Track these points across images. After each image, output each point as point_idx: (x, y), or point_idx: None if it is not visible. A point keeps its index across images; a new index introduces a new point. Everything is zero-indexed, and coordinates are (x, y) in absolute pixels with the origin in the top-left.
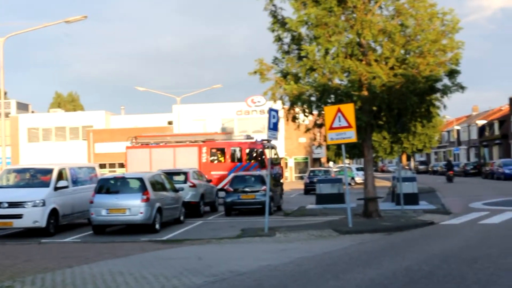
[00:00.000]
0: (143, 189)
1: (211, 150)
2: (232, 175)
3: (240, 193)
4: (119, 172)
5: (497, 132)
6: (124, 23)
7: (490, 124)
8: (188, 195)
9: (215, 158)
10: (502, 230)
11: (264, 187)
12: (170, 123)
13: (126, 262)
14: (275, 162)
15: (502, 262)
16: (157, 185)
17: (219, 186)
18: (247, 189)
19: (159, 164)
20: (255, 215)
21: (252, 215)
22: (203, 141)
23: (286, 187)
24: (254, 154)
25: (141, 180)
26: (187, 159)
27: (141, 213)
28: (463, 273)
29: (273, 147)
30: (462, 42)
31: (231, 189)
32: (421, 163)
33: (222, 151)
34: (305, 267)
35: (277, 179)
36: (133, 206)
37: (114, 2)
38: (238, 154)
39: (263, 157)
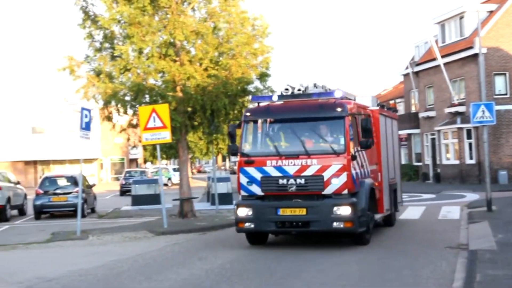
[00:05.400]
0: None
1: None
2: (43, 176)
3: (51, 195)
4: None
5: None
6: None
7: None
8: None
9: None
10: None
11: (76, 189)
12: None
13: None
14: None
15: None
16: None
17: None
18: (58, 191)
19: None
20: (68, 218)
21: (65, 218)
22: None
23: (101, 189)
24: None
25: None
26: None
27: None
28: (271, 269)
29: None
30: (272, 47)
31: (41, 191)
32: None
33: None
34: (117, 270)
35: None
36: None
37: None
38: None
39: None
